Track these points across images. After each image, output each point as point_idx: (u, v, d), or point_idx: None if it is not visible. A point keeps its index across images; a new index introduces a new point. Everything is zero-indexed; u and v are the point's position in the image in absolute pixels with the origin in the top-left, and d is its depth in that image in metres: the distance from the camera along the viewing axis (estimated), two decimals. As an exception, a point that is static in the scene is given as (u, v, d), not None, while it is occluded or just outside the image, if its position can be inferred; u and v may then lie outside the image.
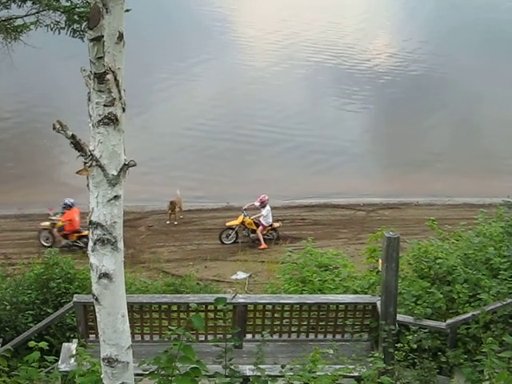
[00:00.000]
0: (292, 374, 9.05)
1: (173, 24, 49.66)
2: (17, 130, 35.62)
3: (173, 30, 48.75)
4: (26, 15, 11.07)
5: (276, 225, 26.88)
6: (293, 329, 13.54)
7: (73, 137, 5.05)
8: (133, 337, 11.51)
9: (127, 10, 5.32)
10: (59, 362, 12.19)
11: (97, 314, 5.48)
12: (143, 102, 36.56)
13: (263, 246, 26.29)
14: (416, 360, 11.19)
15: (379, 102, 40.51)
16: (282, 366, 9.10)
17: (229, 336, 11.47)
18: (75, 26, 10.62)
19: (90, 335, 13.02)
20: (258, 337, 12.66)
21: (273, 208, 26.98)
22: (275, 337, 13.46)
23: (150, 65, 42.17)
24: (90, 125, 5.12)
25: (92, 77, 4.98)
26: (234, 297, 11.48)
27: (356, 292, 14.87)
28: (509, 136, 35.64)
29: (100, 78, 4.93)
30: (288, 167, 32.59)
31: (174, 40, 47.08)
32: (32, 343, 8.24)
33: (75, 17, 10.52)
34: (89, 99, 5.09)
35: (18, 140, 34.80)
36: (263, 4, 55.82)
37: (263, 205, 26.44)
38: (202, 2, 55.79)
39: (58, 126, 5.00)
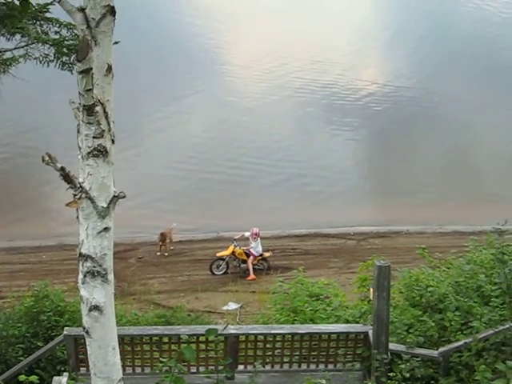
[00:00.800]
0: (285, 404, 9.00)
1: (163, 58, 49.67)
2: (6, 163, 35.57)
3: (163, 64, 48.73)
4: (14, 48, 11.09)
5: (266, 254, 26.84)
6: (285, 359, 13.44)
7: (62, 169, 5.06)
8: (124, 369, 11.40)
9: (116, 43, 5.35)
10: (50, 396, 12.09)
11: (87, 347, 5.45)
12: (135, 136, 36.55)
13: (251, 277, 26.20)
14: (409, 389, 11.16)
15: (370, 133, 40.57)
16: (275, 397, 9.06)
17: (220, 367, 11.40)
18: (64, 58, 10.65)
19: (81, 368, 12.89)
20: (250, 368, 12.59)
21: (263, 238, 26.95)
22: (267, 367, 13.35)
23: (141, 99, 42.11)
24: (80, 157, 5.12)
25: (81, 109, 5.00)
26: (225, 328, 11.39)
27: (347, 321, 14.81)
28: (498, 165, 35.81)
29: (89, 110, 4.95)
30: (279, 199, 32.51)
31: (164, 74, 47.02)
32: (22, 377, 8.14)
33: (64, 49, 10.56)
34: (78, 131, 5.10)
35: (8, 174, 34.76)
36: (253, 35, 55.89)
37: (256, 238, 26.40)
38: (193, 34, 55.80)
39: (47, 158, 5.01)
